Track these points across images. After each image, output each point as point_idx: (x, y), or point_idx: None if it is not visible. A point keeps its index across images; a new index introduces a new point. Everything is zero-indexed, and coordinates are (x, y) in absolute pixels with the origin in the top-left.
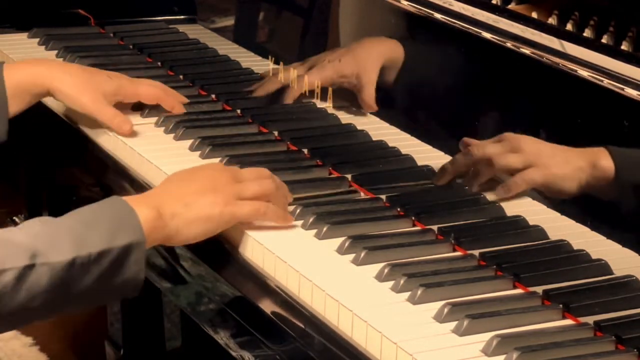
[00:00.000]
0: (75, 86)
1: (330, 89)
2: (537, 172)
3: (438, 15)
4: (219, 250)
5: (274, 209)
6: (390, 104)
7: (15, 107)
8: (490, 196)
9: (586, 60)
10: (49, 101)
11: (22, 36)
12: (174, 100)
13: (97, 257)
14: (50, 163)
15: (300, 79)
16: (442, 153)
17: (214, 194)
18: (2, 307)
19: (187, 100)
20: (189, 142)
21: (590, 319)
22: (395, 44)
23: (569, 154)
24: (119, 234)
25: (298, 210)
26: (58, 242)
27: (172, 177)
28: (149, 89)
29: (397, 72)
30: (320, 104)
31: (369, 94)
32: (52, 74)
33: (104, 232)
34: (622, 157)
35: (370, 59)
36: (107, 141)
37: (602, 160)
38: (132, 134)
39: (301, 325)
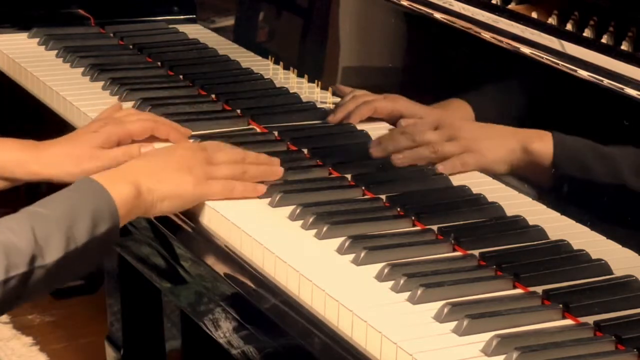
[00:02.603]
0: (70, 162)
1: (330, 89)
2: (471, 157)
3: (438, 15)
4: (219, 250)
5: (241, 187)
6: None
7: None
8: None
9: (586, 60)
10: (52, 103)
11: (22, 36)
12: (168, 128)
13: (83, 248)
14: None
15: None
16: None
17: (186, 173)
18: (5, 307)
19: (185, 132)
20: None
21: (590, 319)
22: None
23: (505, 137)
24: (100, 223)
25: (298, 211)
26: (50, 242)
27: (147, 154)
28: (138, 125)
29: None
30: (320, 105)
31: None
32: (40, 163)
33: (87, 224)
34: (564, 145)
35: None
36: None
37: (535, 143)
38: None
39: (301, 325)
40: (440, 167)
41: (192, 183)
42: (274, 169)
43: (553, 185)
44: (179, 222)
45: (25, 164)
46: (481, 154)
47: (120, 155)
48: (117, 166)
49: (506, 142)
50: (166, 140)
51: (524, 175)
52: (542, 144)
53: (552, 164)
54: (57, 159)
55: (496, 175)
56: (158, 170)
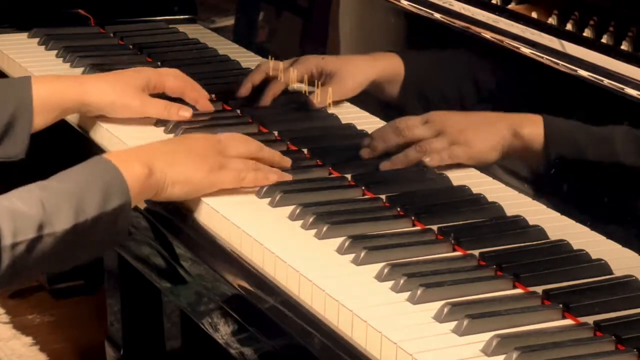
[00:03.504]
0: (113, 92)
1: (330, 89)
2: (461, 150)
3: (438, 15)
4: (219, 250)
5: (252, 177)
6: (390, 104)
7: (41, 122)
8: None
9: (586, 60)
10: None
11: (22, 36)
12: (197, 94)
13: (93, 222)
14: (50, 163)
15: (286, 71)
16: None
17: (199, 160)
18: (14, 274)
19: (210, 106)
20: None
21: (590, 319)
22: (393, 59)
23: (493, 123)
24: (110, 198)
25: (298, 210)
26: (60, 211)
27: (161, 141)
28: (175, 82)
29: (399, 84)
30: (320, 104)
31: (337, 90)
32: (84, 88)
33: (98, 198)
34: (556, 128)
35: (361, 67)
36: (101, 137)
37: (525, 128)
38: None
39: (301, 325)
40: (428, 160)
41: (204, 170)
42: (284, 174)
43: (547, 173)
44: (179, 222)
45: (71, 92)
46: (470, 145)
47: (162, 107)
48: (154, 114)
49: (495, 128)
50: (193, 107)
51: (517, 160)
52: (532, 128)
53: (544, 148)
54: (98, 87)
55: (496, 175)
56: (172, 154)
